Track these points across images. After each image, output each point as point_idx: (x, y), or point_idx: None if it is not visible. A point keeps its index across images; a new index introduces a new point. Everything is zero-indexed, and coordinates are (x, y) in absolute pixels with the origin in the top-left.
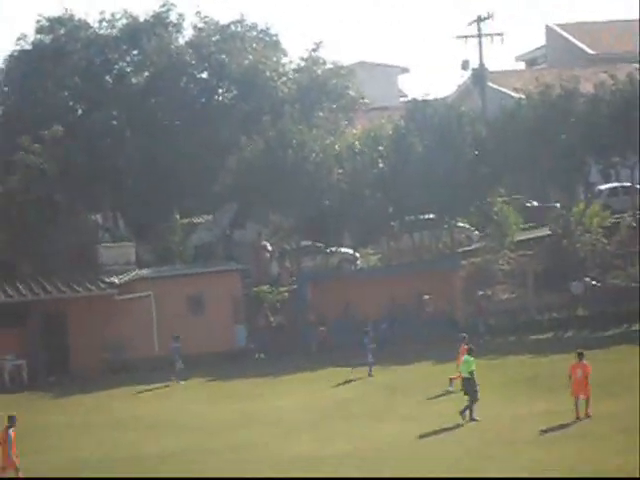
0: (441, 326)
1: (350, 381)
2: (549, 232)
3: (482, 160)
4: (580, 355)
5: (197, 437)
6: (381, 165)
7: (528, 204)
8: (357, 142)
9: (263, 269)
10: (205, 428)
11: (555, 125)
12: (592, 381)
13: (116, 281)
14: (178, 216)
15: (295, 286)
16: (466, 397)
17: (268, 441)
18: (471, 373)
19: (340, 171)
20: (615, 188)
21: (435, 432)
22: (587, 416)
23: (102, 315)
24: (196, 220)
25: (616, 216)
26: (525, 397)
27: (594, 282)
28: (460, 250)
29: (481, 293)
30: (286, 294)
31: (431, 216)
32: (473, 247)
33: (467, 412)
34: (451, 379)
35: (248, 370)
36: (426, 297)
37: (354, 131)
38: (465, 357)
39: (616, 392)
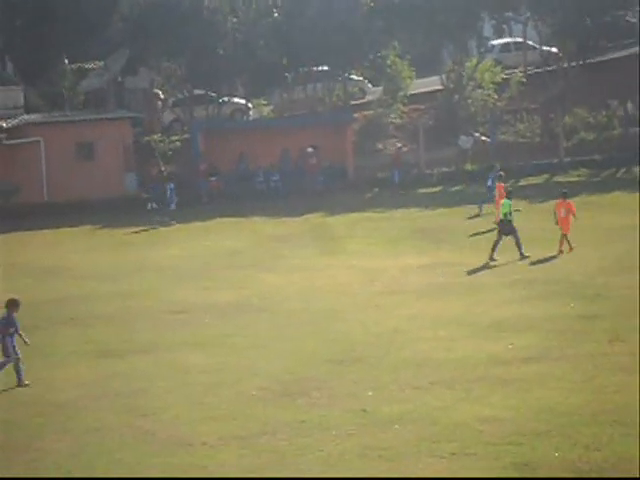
0: (332, 178)
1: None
2: (441, 87)
3: (377, 12)
4: (564, 194)
5: (88, 283)
6: (276, 15)
7: None
8: None
9: (155, 117)
10: (96, 275)
11: None
12: (476, 236)
13: (4, 125)
14: (67, 61)
15: (187, 135)
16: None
17: (157, 288)
18: (505, 215)
19: (235, 20)
20: (507, 44)
21: (323, 283)
22: (567, 250)
23: None
24: (87, 65)
25: (507, 72)
26: (413, 249)
27: (483, 137)
28: (353, 103)
29: (399, 145)
30: (178, 143)
31: (325, 68)
32: (366, 100)
33: (521, 248)
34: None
35: (140, 219)
36: (310, 149)
37: None
38: (504, 200)
39: (503, 245)
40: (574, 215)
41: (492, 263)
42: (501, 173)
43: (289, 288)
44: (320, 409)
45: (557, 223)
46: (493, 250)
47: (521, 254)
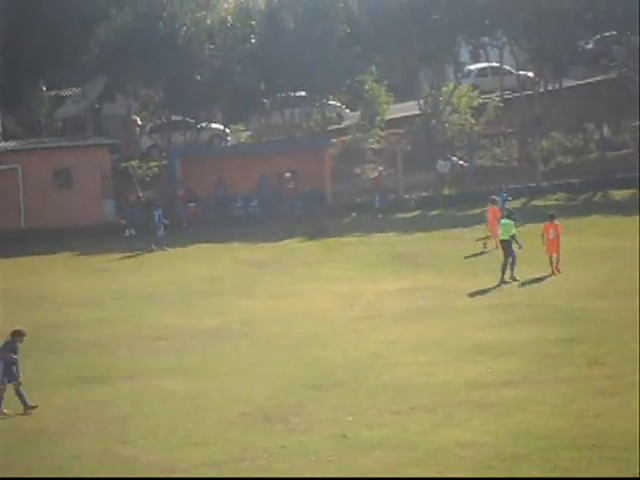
0: (310, 203)
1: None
2: (419, 111)
3: (354, 38)
4: (552, 217)
5: (69, 310)
6: (253, 41)
7: None
8: (229, 16)
9: (133, 143)
10: (75, 303)
11: (426, 5)
12: (455, 260)
13: None
14: (45, 88)
15: (165, 161)
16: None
17: (138, 314)
18: (512, 237)
19: (212, 46)
20: (484, 68)
21: (302, 308)
22: (558, 271)
23: None
24: (64, 92)
25: (484, 96)
26: (391, 273)
27: (461, 161)
28: (331, 128)
29: (380, 169)
30: (156, 169)
31: (302, 93)
32: (344, 125)
33: (508, 273)
34: (484, 242)
35: (118, 245)
36: (287, 174)
37: (226, 5)
38: (504, 221)
39: (480, 269)
40: (558, 237)
41: (504, 286)
42: (493, 197)
43: (269, 313)
44: (300, 434)
45: (545, 245)
46: (503, 272)
47: (512, 277)
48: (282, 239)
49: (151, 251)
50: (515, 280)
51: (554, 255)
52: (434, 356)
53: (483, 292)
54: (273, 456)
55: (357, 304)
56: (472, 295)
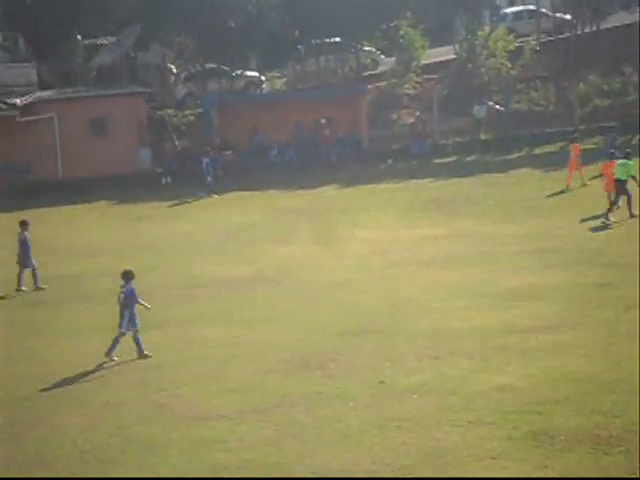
0: (346, 150)
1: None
2: (454, 56)
3: None
4: (612, 155)
5: (104, 259)
6: None
7: None
8: None
9: (168, 92)
10: (111, 251)
11: None
12: (493, 204)
13: (17, 102)
14: (80, 37)
15: (201, 110)
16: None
17: (173, 262)
18: (632, 177)
19: None
20: (520, 11)
21: (338, 255)
22: (618, 207)
23: (4, 137)
24: (99, 41)
25: (520, 40)
26: (428, 220)
27: (497, 106)
28: (366, 74)
29: (417, 114)
30: (191, 118)
31: (337, 40)
32: (379, 71)
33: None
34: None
35: (155, 194)
36: (323, 121)
37: None
38: (622, 161)
39: (517, 215)
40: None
41: (608, 222)
42: (575, 135)
43: (305, 261)
44: (337, 381)
45: (605, 183)
46: (610, 210)
47: (631, 214)
48: (318, 186)
49: (187, 200)
50: (633, 216)
51: (612, 193)
52: (471, 302)
53: (518, 237)
54: (311, 402)
55: (393, 251)
56: (508, 240)
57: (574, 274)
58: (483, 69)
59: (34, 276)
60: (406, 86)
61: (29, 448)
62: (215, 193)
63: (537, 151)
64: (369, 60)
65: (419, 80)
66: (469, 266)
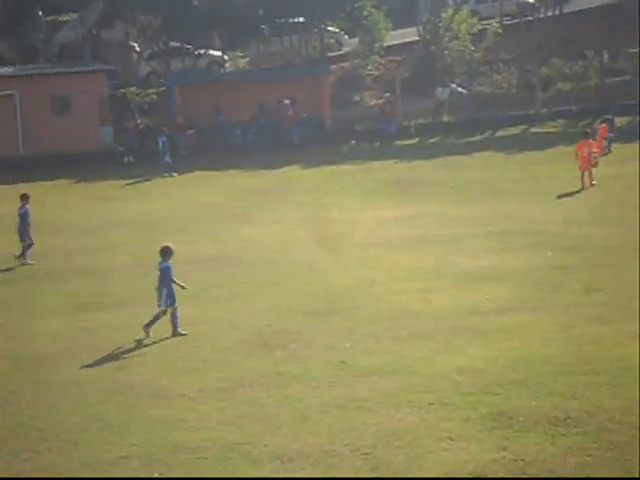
0: (309, 130)
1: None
2: (418, 38)
3: None
4: (587, 134)
5: (65, 237)
6: None
7: None
8: None
9: (131, 70)
10: (72, 230)
11: None
12: (455, 186)
13: None
14: (42, 13)
15: (164, 88)
16: None
17: (135, 242)
18: None
19: None
20: None
21: (300, 235)
22: (592, 185)
23: None
24: (61, 18)
25: (484, 22)
26: (390, 201)
27: (460, 88)
28: (330, 55)
29: (387, 95)
30: (154, 96)
31: (301, 20)
32: (343, 52)
33: None
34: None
35: (116, 172)
36: (286, 101)
37: None
38: None
39: (478, 197)
40: (591, 154)
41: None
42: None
43: (268, 241)
44: (299, 361)
45: (579, 162)
46: None
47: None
48: (281, 166)
49: (149, 179)
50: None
51: (587, 172)
52: (432, 283)
53: (480, 220)
54: (272, 382)
55: (356, 232)
56: (470, 222)
57: (535, 257)
58: (446, 51)
59: (24, 251)
60: (369, 67)
61: None
62: (175, 172)
63: (500, 134)
64: (333, 41)
65: (382, 61)
66: (430, 248)
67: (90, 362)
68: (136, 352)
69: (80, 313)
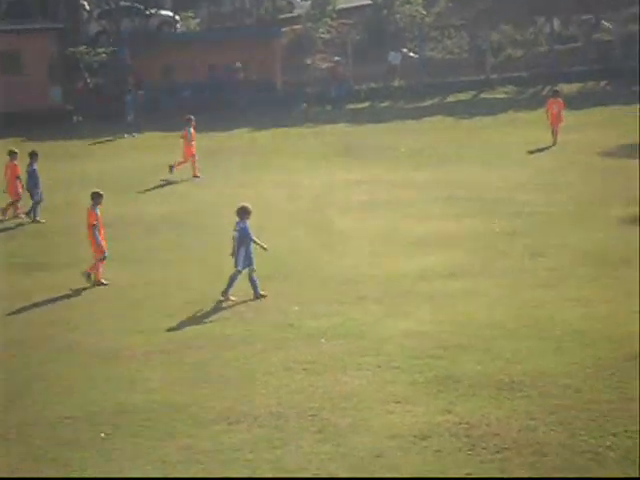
0: (260, 93)
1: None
2: (370, 1)
3: None
4: (556, 92)
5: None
6: None
7: None
8: None
9: (80, 29)
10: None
11: None
12: (405, 151)
13: None
14: None
15: (114, 48)
16: None
17: (83, 201)
18: None
19: None
20: None
21: (250, 198)
22: (554, 143)
23: None
24: None
25: None
26: (340, 165)
27: (411, 53)
28: (281, 17)
29: (337, 58)
30: (104, 56)
31: None
32: (295, 14)
33: None
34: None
35: (65, 132)
36: (238, 64)
37: None
38: None
39: (428, 162)
40: (561, 111)
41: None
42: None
43: (217, 202)
44: (246, 323)
45: (549, 119)
46: None
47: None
48: (232, 129)
49: (99, 139)
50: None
51: (557, 127)
52: (380, 248)
53: (429, 185)
54: (219, 344)
55: (306, 196)
56: (419, 188)
57: (482, 222)
58: (398, 15)
59: (34, 208)
60: (321, 30)
61: None
62: (137, 132)
63: (450, 99)
64: (285, 3)
65: (334, 25)
66: (380, 212)
67: (38, 321)
68: (81, 312)
69: (29, 273)
